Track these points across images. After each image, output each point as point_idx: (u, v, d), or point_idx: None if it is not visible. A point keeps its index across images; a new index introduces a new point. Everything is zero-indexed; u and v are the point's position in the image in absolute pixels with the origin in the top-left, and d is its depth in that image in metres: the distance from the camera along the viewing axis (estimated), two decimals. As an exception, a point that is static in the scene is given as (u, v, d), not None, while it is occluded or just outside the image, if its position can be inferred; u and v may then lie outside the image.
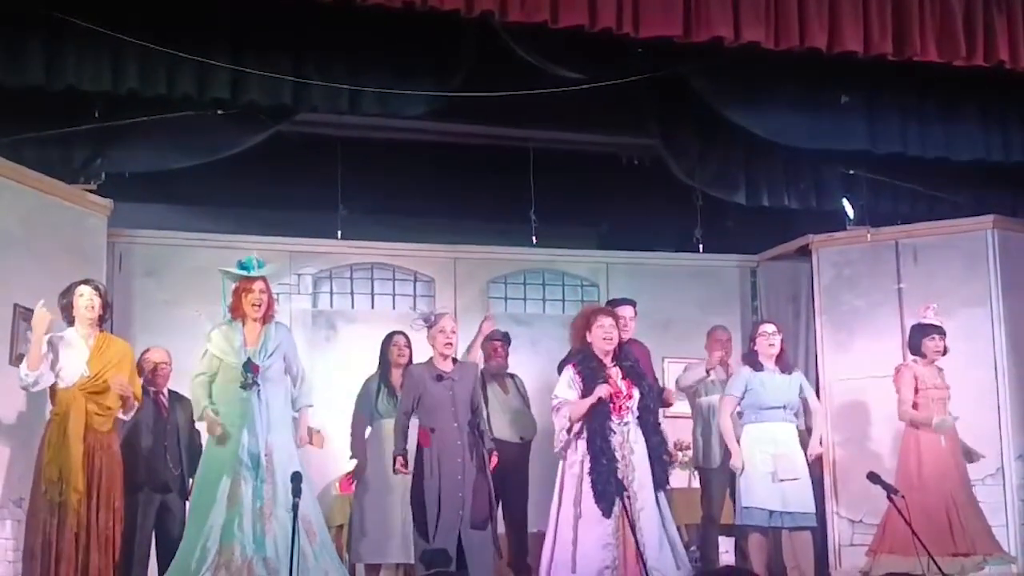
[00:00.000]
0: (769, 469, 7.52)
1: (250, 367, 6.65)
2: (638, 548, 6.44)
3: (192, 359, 7.42)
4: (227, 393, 6.73)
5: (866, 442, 8.90)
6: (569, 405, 6.75)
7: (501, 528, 7.92)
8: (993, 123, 8.61)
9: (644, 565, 6.36)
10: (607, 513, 6.58)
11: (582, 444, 6.74)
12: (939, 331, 8.03)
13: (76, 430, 6.57)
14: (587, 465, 6.69)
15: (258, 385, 6.67)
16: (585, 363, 6.85)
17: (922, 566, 7.27)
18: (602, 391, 6.71)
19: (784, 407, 7.70)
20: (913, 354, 8.09)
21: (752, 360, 7.80)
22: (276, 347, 6.81)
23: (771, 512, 7.51)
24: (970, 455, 8.02)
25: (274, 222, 9.53)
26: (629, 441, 6.75)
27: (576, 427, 6.74)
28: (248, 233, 9.14)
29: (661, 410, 7.26)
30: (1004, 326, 8.85)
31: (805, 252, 9.70)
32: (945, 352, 8.01)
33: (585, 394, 6.75)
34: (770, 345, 7.76)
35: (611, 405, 6.75)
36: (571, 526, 6.65)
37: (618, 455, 6.68)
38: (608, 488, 6.58)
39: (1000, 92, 8.39)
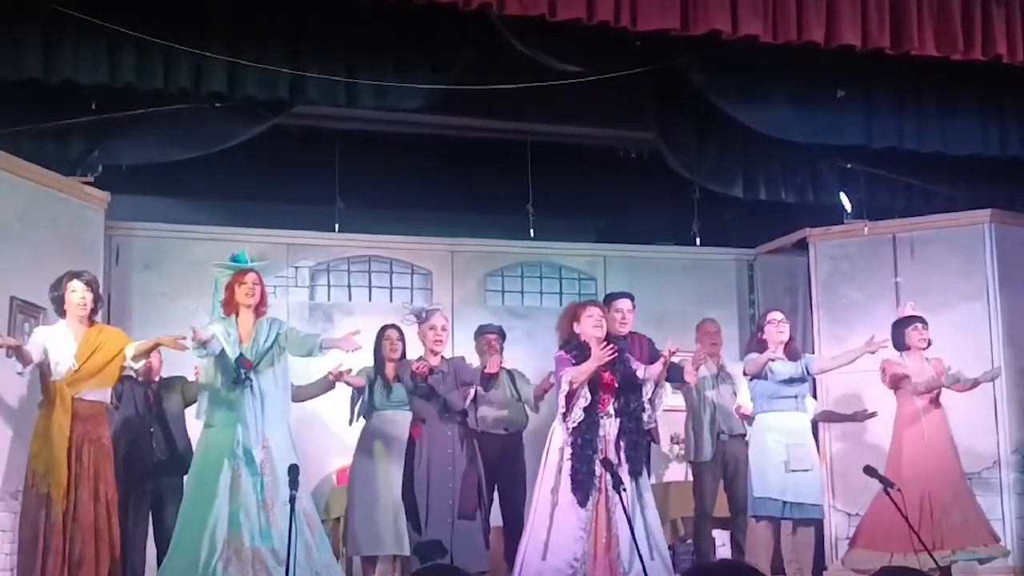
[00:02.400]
0: (783, 458, 7.54)
1: (241, 362, 6.65)
2: (609, 540, 6.47)
3: (187, 352, 7.43)
4: (220, 387, 6.73)
5: (863, 436, 8.90)
6: (570, 371, 6.73)
7: (497, 521, 7.95)
8: (990, 117, 8.61)
9: (638, 554, 6.36)
10: (583, 503, 6.61)
11: (564, 432, 6.76)
12: (920, 320, 8.01)
13: (61, 423, 6.56)
14: (568, 453, 6.71)
15: (250, 380, 6.66)
16: (578, 350, 6.87)
17: (886, 560, 7.36)
18: (606, 353, 6.69)
19: (796, 396, 7.74)
20: (899, 349, 8.08)
21: (762, 348, 7.79)
22: (267, 340, 6.79)
23: (784, 503, 7.53)
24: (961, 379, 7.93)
25: (271, 215, 9.52)
26: (610, 432, 6.78)
27: (575, 398, 6.73)
28: (245, 226, 9.15)
29: (646, 399, 7.26)
30: (1001, 320, 8.86)
31: (802, 246, 9.70)
32: (929, 344, 8.00)
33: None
34: (779, 332, 7.77)
35: (600, 399, 6.76)
36: (547, 514, 6.67)
37: (600, 445, 6.71)
38: (588, 479, 6.61)
39: (997, 86, 8.39)
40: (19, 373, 6.66)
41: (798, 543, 7.75)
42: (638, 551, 6.29)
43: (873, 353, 7.83)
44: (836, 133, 8.52)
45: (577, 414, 6.72)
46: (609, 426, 6.79)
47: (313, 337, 7.00)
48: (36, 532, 6.49)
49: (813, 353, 9.32)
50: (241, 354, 6.68)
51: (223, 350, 6.72)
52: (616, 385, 6.83)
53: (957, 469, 7.94)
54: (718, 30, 7.24)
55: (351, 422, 7.76)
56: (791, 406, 7.71)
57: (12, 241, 7.48)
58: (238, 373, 6.65)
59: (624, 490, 6.47)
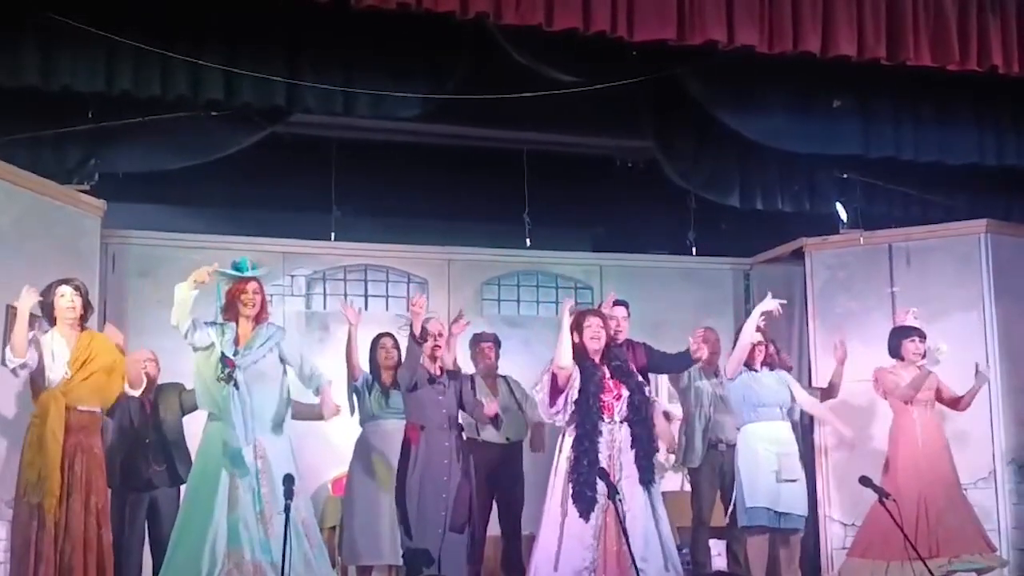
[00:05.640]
0: (774, 468, 7.57)
1: (225, 361, 6.60)
2: (620, 548, 6.45)
3: (185, 359, 7.42)
4: (210, 388, 6.69)
5: (859, 446, 8.90)
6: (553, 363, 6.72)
7: (495, 531, 7.94)
8: (986, 127, 8.64)
9: (634, 563, 6.35)
10: (584, 514, 6.57)
11: (570, 441, 6.72)
12: (919, 333, 8.05)
13: (54, 432, 6.51)
14: (571, 462, 6.68)
15: (234, 380, 6.60)
16: (577, 358, 6.83)
17: (882, 570, 7.36)
18: (568, 305, 6.79)
19: (780, 406, 7.79)
20: (892, 357, 8.11)
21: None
22: (263, 345, 6.75)
23: (777, 513, 7.56)
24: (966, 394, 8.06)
25: (268, 223, 9.52)
26: (618, 440, 6.75)
27: (565, 393, 6.71)
28: (242, 234, 9.13)
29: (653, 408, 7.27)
30: (997, 330, 8.87)
31: (799, 255, 9.71)
32: (924, 355, 8.02)
33: (579, 390, 6.74)
34: (758, 351, 7.85)
35: (602, 406, 6.75)
36: (558, 524, 6.64)
37: (605, 455, 6.68)
38: (585, 490, 6.57)
39: (993, 96, 8.41)
40: (11, 368, 6.57)
41: (784, 551, 7.79)
42: (632, 560, 6.29)
43: (842, 360, 8.16)
44: (832, 143, 8.54)
45: (568, 444, 6.68)
46: (616, 433, 6.76)
47: (318, 378, 6.99)
48: (28, 541, 6.45)
49: (810, 362, 9.37)
50: (223, 353, 6.63)
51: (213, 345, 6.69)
52: (623, 392, 6.79)
53: (952, 477, 7.96)
54: (714, 40, 7.25)
55: (352, 412, 7.75)
56: (777, 415, 7.76)
57: (8, 249, 7.47)
58: (220, 370, 6.59)
59: (621, 500, 6.46)
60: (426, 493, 6.85)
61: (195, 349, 6.73)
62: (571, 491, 6.61)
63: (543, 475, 7.11)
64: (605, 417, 6.75)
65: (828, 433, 9.12)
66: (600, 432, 6.71)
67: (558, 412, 6.78)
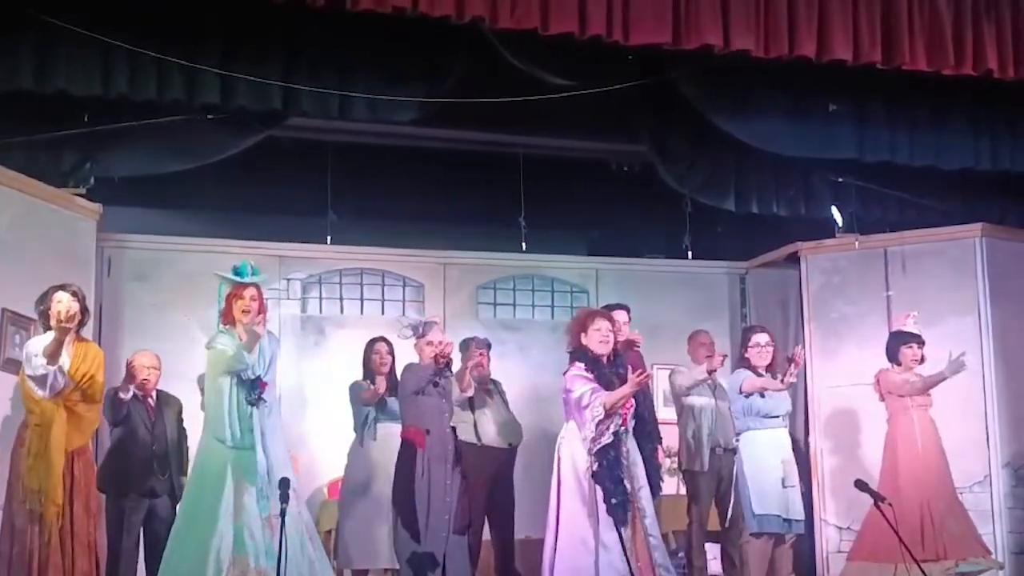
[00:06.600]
0: (780, 475, 7.62)
1: (258, 384, 6.52)
2: (650, 554, 6.44)
3: (181, 363, 7.44)
4: (232, 406, 6.57)
5: (855, 449, 8.92)
6: (604, 395, 6.55)
7: (486, 535, 7.94)
8: (981, 131, 8.65)
9: (655, 569, 6.36)
10: (621, 522, 6.49)
11: (584, 453, 6.58)
12: (917, 340, 8.07)
13: (58, 441, 6.46)
14: (594, 474, 6.55)
15: (264, 401, 6.53)
16: (590, 363, 6.73)
17: (890, 572, 7.38)
18: (643, 380, 6.59)
19: (783, 415, 7.84)
20: (890, 361, 8.13)
21: (749, 367, 7.94)
22: (271, 358, 6.72)
23: (786, 519, 7.60)
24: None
25: (264, 227, 9.51)
26: (630, 449, 6.71)
27: (608, 420, 6.57)
28: (238, 238, 9.12)
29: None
30: (992, 334, 8.88)
31: (794, 259, 9.72)
32: (922, 361, 8.04)
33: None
34: (763, 357, 7.86)
35: (621, 416, 6.69)
36: (591, 533, 6.50)
37: (624, 465, 6.63)
38: (620, 497, 6.51)
39: (988, 101, 8.43)
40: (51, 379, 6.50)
41: (778, 556, 7.82)
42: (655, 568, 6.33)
43: None
44: (828, 147, 8.55)
45: (608, 437, 6.55)
46: (628, 442, 6.69)
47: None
48: (27, 548, 6.40)
49: (805, 366, 9.36)
50: (259, 377, 6.55)
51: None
52: (631, 401, 6.69)
53: (949, 480, 7.99)
54: (710, 44, 7.26)
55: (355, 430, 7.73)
56: (779, 423, 7.86)
57: (4, 253, 7.46)
58: (252, 395, 6.50)
59: (636, 505, 6.46)
60: (434, 498, 6.86)
61: (231, 372, 6.57)
62: (605, 501, 6.48)
63: (531, 476, 7.09)
64: (622, 426, 6.66)
65: (823, 437, 9.14)
66: (622, 441, 6.64)
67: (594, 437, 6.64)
